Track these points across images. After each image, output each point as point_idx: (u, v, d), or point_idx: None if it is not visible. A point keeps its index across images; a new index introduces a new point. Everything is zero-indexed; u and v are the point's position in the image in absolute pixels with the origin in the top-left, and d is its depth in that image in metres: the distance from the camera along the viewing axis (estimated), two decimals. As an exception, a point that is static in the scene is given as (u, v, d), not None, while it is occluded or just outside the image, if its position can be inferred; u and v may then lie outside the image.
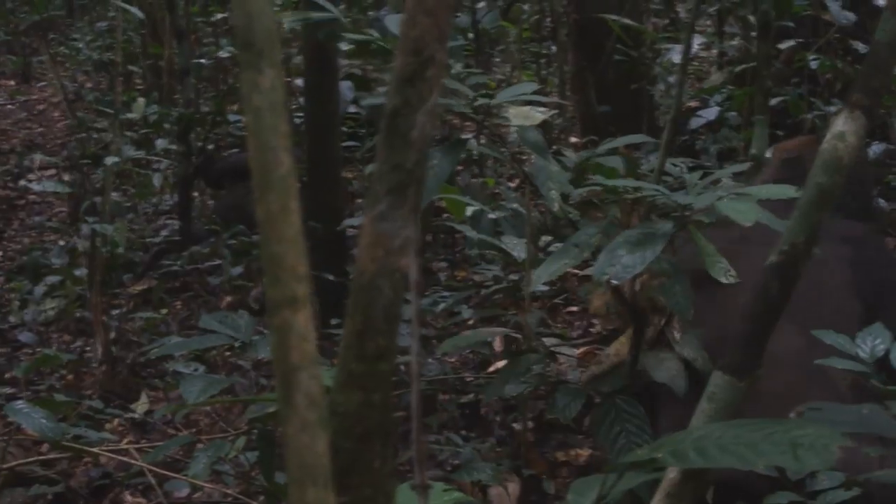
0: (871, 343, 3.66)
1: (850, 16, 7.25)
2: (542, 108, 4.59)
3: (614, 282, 3.94)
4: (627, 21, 8.47)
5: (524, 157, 6.13)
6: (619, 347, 4.53)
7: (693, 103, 8.95)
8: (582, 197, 4.57)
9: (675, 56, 8.34)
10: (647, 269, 3.97)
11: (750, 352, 2.38)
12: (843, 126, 2.45)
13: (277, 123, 1.32)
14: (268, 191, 1.31)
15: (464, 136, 4.91)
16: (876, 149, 7.45)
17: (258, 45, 1.33)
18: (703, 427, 2.18)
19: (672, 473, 2.29)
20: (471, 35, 8.73)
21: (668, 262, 4.10)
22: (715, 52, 10.57)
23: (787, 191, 3.83)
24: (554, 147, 6.80)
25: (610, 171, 4.74)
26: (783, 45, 8.16)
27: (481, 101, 4.51)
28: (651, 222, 4.12)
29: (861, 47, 7.77)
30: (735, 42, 9.90)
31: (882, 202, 7.18)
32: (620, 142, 5.12)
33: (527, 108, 4.68)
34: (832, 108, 7.87)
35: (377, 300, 1.50)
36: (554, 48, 11.85)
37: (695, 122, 8.28)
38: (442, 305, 5.69)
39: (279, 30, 1.58)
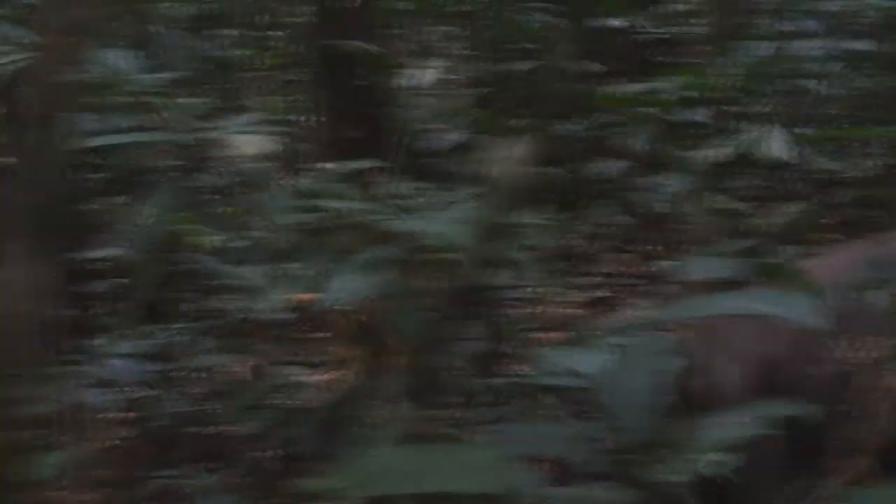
0: (590, 358, 3.71)
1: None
2: (258, 137, 4.59)
3: (344, 307, 3.97)
4: (368, 46, 8.51)
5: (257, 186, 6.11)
6: (355, 371, 4.54)
7: (438, 126, 9.03)
8: (312, 224, 4.57)
9: (418, 80, 8.42)
10: (379, 293, 3.99)
11: (428, 378, 2.40)
12: (516, 150, 2.50)
13: None
14: None
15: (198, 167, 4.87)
16: (613, 167, 7.64)
17: None
18: (386, 453, 2.19)
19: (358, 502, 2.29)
20: (217, 65, 8.66)
21: (399, 287, 4.12)
22: (460, 75, 10.69)
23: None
24: (297, 173, 6.78)
25: (340, 195, 4.75)
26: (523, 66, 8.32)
27: (207, 134, 4.49)
28: (381, 247, 4.14)
29: (587, 66, 7.98)
30: (481, 65, 10.04)
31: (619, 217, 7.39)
32: (353, 167, 5.14)
33: (251, 137, 4.68)
34: (577, 126, 8.07)
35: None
36: (303, 74, 11.80)
37: (437, 144, 8.37)
38: (183, 337, 5.61)
39: None
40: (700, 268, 3.45)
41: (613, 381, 2.87)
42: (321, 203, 4.76)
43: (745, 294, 3.00)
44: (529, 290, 6.74)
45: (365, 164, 5.29)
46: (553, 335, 6.41)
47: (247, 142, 4.67)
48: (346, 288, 3.92)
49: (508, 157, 2.47)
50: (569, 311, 7.06)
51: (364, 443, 4.28)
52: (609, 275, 7.81)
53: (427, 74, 8.49)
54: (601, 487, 2.81)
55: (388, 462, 2.04)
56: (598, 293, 7.44)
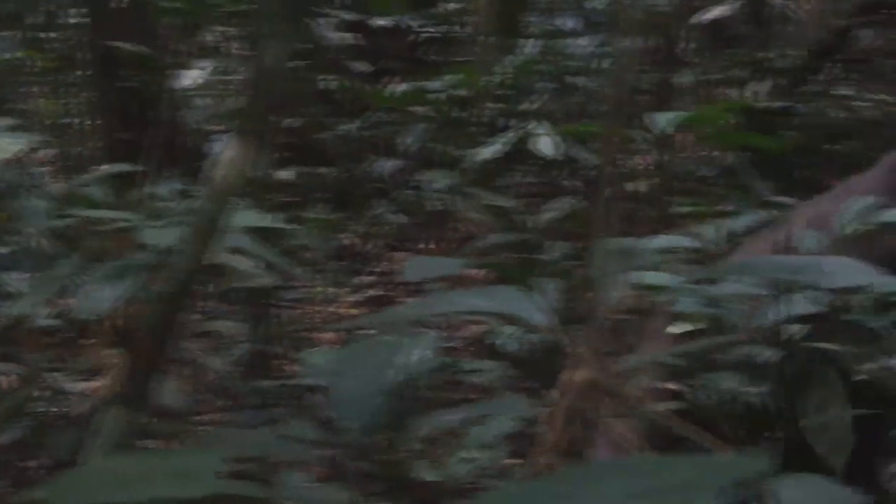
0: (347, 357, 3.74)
1: (347, 36, 7.52)
2: (20, 141, 4.54)
3: (100, 313, 3.95)
4: (138, 48, 8.45)
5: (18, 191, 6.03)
6: (115, 377, 4.52)
7: (211, 126, 9.01)
8: (68, 229, 4.54)
9: (186, 81, 8.40)
10: (132, 299, 3.99)
11: (138, 383, 2.43)
12: (231, 152, 2.47)
13: None
14: None
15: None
16: (385, 166, 7.72)
17: None
18: (97, 461, 2.21)
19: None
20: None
21: (150, 292, 4.12)
22: (237, 75, 10.65)
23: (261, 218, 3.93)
24: (67, 176, 6.70)
25: (98, 201, 4.72)
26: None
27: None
28: (133, 253, 4.14)
29: (357, 66, 8.07)
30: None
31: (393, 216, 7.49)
32: (120, 170, 5.12)
33: (12, 141, 4.62)
34: (352, 127, 8.15)
35: None
36: (78, 76, 11.63)
37: (210, 146, 8.34)
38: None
39: None
40: (421, 268, 3.51)
41: (339, 380, 2.91)
42: (78, 209, 4.73)
43: (479, 292, 3.07)
44: (302, 290, 6.79)
45: (129, 167, 5.26)
46: (326, 335, 6.46)
47: (6, 146, 4.61)
48: (94, 296, 3.91)
49: (228, 157, 2.46)
50: (342, 310, 7.11)
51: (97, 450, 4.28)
52: (383, 273, 7.89)
53: (201, 75, 8.46)
54: (355, 487, 2.83)
55: (103, 470, 2.05)
56: (372, 292, 7.50)
